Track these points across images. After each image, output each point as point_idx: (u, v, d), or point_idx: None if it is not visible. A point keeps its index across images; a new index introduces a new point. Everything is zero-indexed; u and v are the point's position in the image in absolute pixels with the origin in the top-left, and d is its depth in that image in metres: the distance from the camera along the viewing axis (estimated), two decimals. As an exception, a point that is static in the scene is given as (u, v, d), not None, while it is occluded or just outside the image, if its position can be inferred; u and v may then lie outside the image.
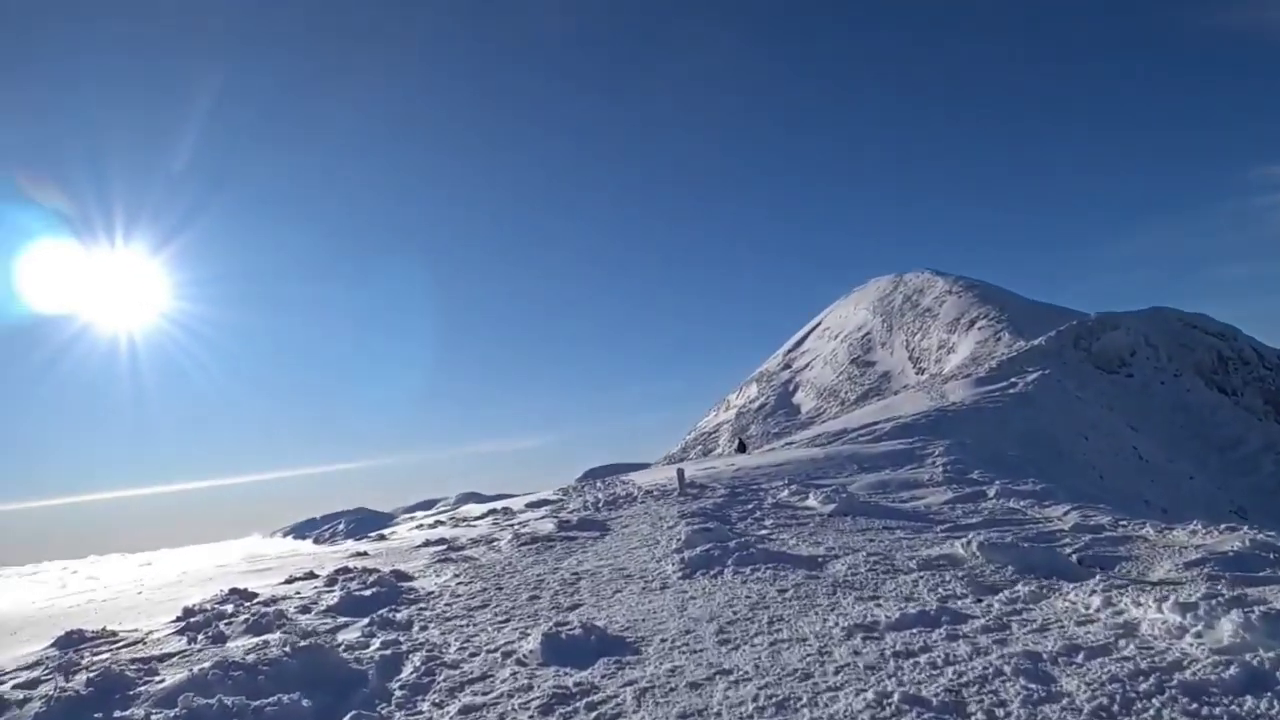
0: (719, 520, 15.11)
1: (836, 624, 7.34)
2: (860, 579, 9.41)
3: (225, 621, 9.80)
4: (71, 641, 9.93)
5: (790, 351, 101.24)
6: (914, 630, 6.94)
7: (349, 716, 6.00)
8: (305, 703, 6.22)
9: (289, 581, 13.45)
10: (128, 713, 6.45)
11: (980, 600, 7.96)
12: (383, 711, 6.20)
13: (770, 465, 25.70)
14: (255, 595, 11.98)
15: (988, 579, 8.98)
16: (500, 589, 10.98)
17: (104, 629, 10.41)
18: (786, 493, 19.25)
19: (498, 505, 27.69)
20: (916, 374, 74.56)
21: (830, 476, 22.21)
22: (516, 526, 18.20)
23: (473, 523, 22.23)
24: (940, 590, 8.53)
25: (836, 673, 5.98)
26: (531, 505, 25.09)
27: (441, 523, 25.23)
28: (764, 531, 14.01)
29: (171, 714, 6.15)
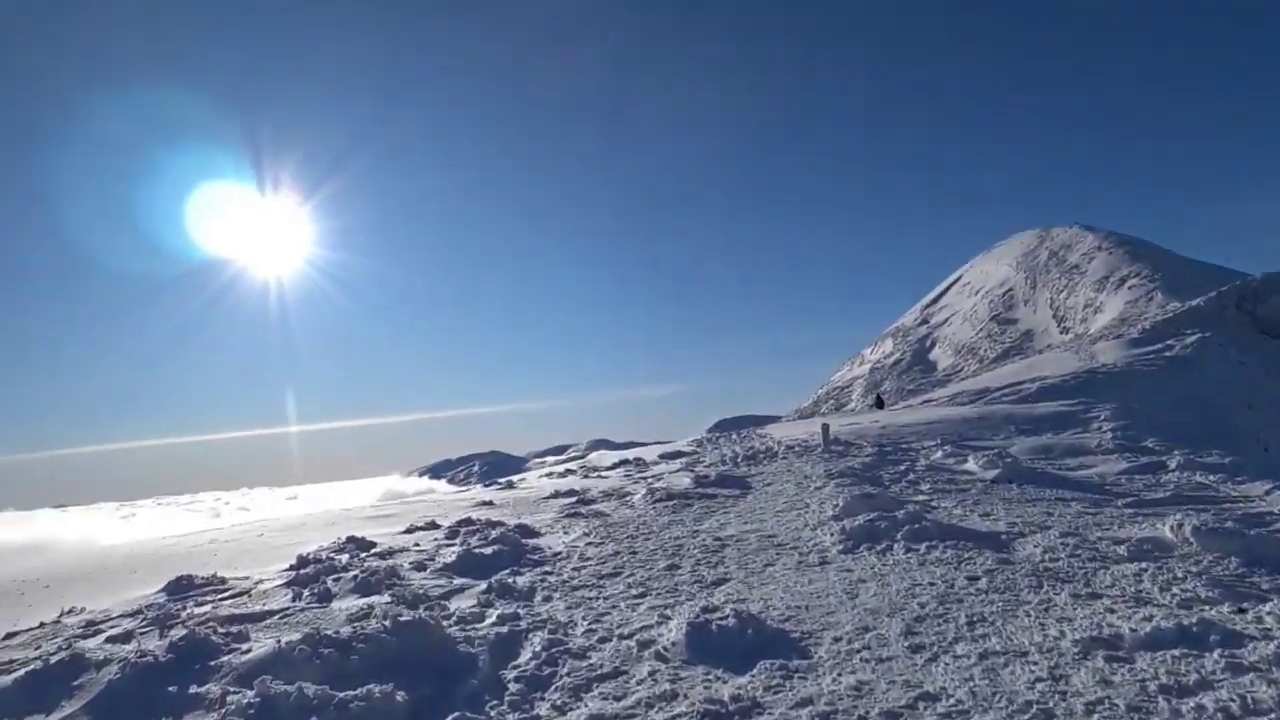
0: (870, 482, 13.52)
1: (1062, 634, 5.71)
2: (1064, 567, 7.67)
3: (334, 577, 8.90)
4: (180, 588, 9.41)
5: (928, 307, 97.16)
6: (1175, 653, 5.26)
7: (451, 718, 4.88)
8: (400, 696, 5.14)
9: (409, 531, 12.63)
10: (203, 689, 5.55)
11: (1242, 610, 6.16)
12: (492, 712, 5.06)
13: (920, 423, 23.71)
14: (372, 545, 11.17)
15: (1228, 577, 7.17)
16: (634, 553, 9.76)
17: (214, 575, 9.82)
18: (940, 454, 17.45)
19: (629, 455, 26.54)
20: (1061, 333, 69.86)
21: (986, 438, 20.20)
22: (650, 480, 16.95)
23: (604, 473, 21.17)
24: (1177, 591, 6.69)
25: (1089, 714, 4.43)
26: (665, 457, 23.88)
27: (572, 471, 24.33)
28: (922, 498, 12.38)
29: (245, 698, 5.14)
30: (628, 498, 14.45)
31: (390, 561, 9.75)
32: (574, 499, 15.15)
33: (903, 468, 15.90)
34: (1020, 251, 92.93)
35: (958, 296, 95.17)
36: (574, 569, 9.08)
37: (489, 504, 16.23)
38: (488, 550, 9.97)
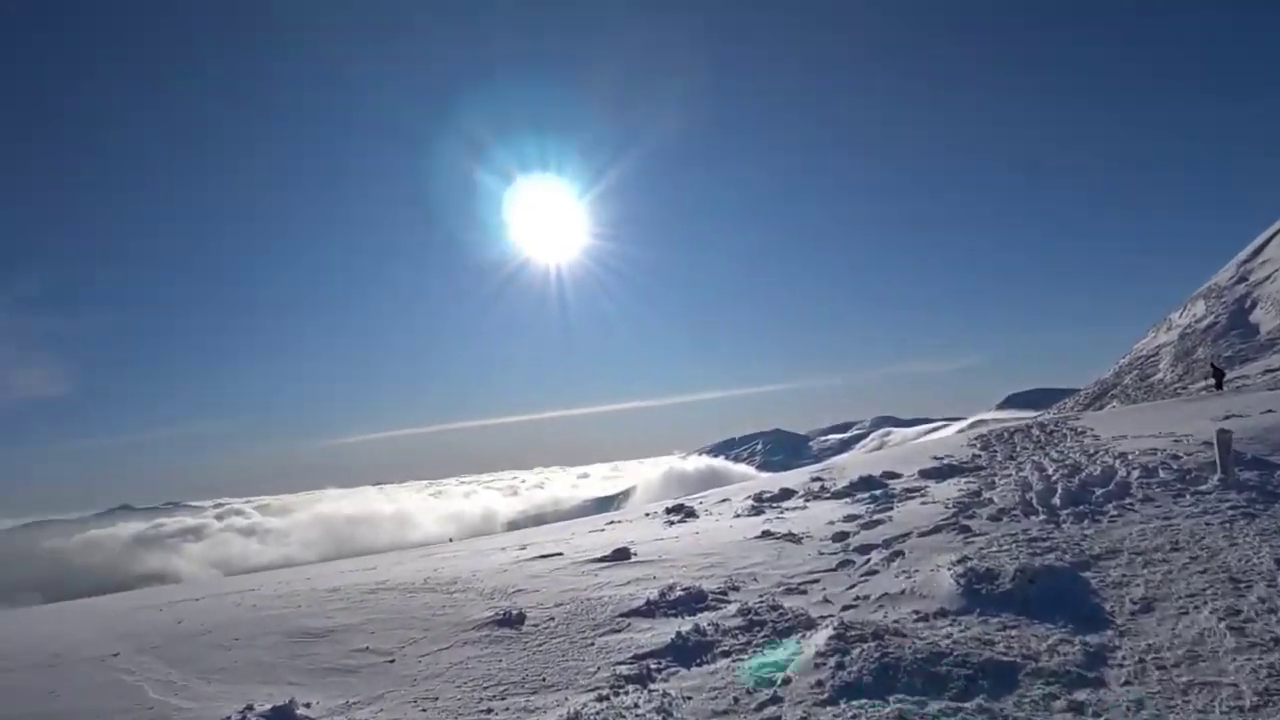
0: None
1: None
2: None
3: None
4: None
5: (1246, 262, 79.20)
6: None
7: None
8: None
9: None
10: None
11: None
12: None
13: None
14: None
15: None
16: None
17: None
18: None
19: (875, 470, 18.18)
20: None
21: None
22: (875, 557, 9.36)
23: (826, 498, 13.91)
24: None
25: None
26: (931, 475, 15.89)
27: (782, 497, 16.97)
28: None
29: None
30: (800, 634, 7.04)
31: None
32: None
33: None
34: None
35: (1282, 249, 77.27)
36: None
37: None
38: None
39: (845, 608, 7.39)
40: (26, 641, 9.95)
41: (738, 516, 14.66)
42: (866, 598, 7.60)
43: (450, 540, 26.41)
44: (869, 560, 8.99)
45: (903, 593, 7.51)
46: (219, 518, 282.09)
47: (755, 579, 8.73)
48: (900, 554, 9.02)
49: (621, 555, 10.65)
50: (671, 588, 8.34)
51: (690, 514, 16.62)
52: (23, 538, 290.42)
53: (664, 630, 7.09)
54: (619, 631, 7.29)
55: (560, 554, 11.66)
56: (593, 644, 6.99)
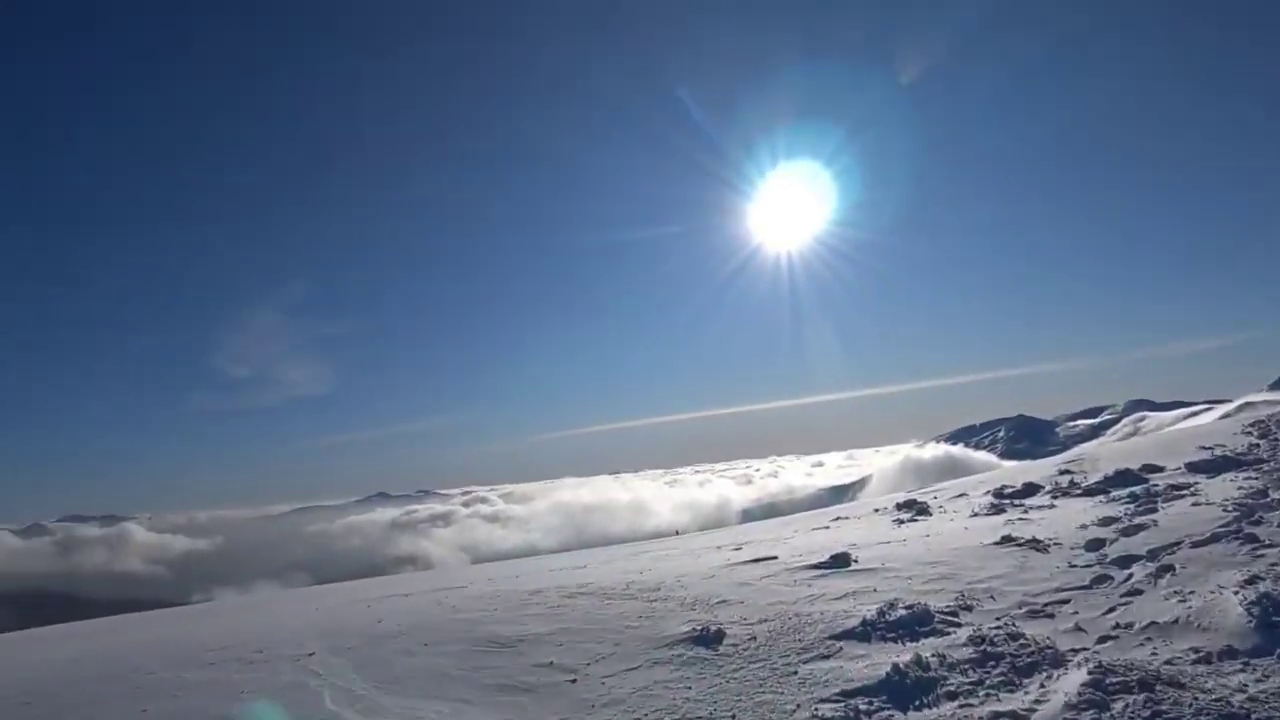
0: None
1: None
2: None
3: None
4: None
5: None
6: None
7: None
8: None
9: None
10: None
11: None
12: None
13: None
14: None
15: None
16: None
17: None
18: None
19: (1138, 463, 16.06)
20: None
21: None
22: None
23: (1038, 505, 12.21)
24: None
25: None
26: (1200, 465, 13.73)
27: (1071, 477, 15.09)
28: None
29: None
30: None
31: None
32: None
33: None
34: None
35: None
36: None
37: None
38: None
39: (1102, 639, 6.13)
40: (244, 632, 10.41)
41: (975, 515, 13.30)
42: (1129, 627, 6.26)
43: (676, 533, 26.28)
44: (1130, 576, 7.54)
45: (1175, 622, 6.11)
46: (465, 505, 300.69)
47: (992, 596, 7.55)
48: (1169, 569, 7.51)
49: (840, 562, 9.72)
50: (893, 605, 7.35)
51: (923, 511, 15.39)
52: (292, 522, 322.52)
53: (879, 660, 6.16)
54: (827, 658, 6.43)
55: (775, 557, 10.87)
56: (795, 672, 6.17)
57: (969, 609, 7.20)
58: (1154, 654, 5.59)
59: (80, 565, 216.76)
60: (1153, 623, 6.18)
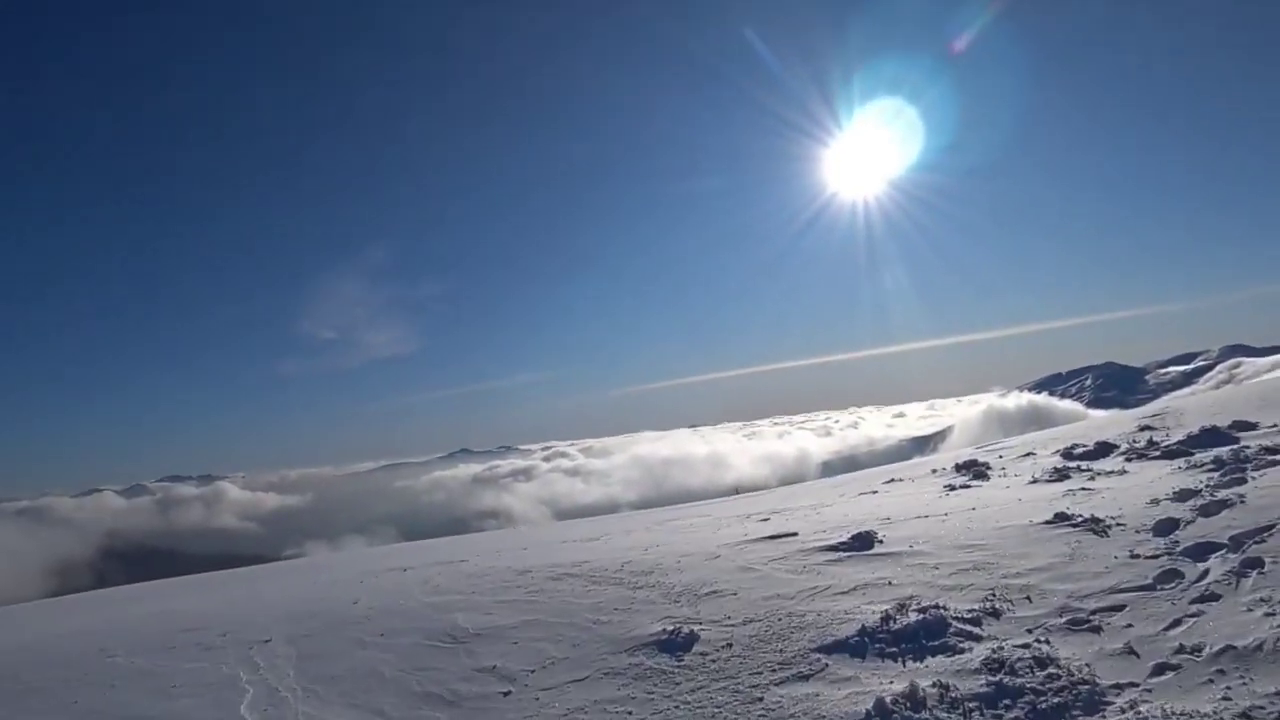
0: None
1: None
2: None
3: None
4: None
5: None
6: None
7: None
8: None
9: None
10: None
11: None
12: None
13: None
14: None
15: None
16: None
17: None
18: None
19: (1229, 420, 13.93)
20: None
21: None
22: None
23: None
24: None
25: None
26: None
27: (1150, 435, 13.43)
28: None
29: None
30: None
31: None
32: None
33: None
34: None
35: None
36: None
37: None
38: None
39: (1159, 669, 4.63)
40: (231, 608, 10.21)
41: (1034, 482, 11.76)
42: (1196, 651, 4.72)
43: (736, 492, 25.15)
44: (1205, 574, 5.93)
45: (1260, 648, 4.54)
46: (546, 459, 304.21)
47: (1028, 597, 6.05)
48: (1257, 565, 5.89)
49: (862, 542, 8.36)
50: (904, 606, 6.02)
51: (980, 474, 13.90)
52: (380, 478, 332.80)
53: (867, 686, 4.89)
54: (806, 679, 5.16)
55: (795, 534, 9.56)
56: (761, 699, 4.93)
57: (995, 615, 5.74)
58: (1226, 699, 4.13)
59: (179, 522, 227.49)
60: (1229, 647, 4.65)
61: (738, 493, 24.43)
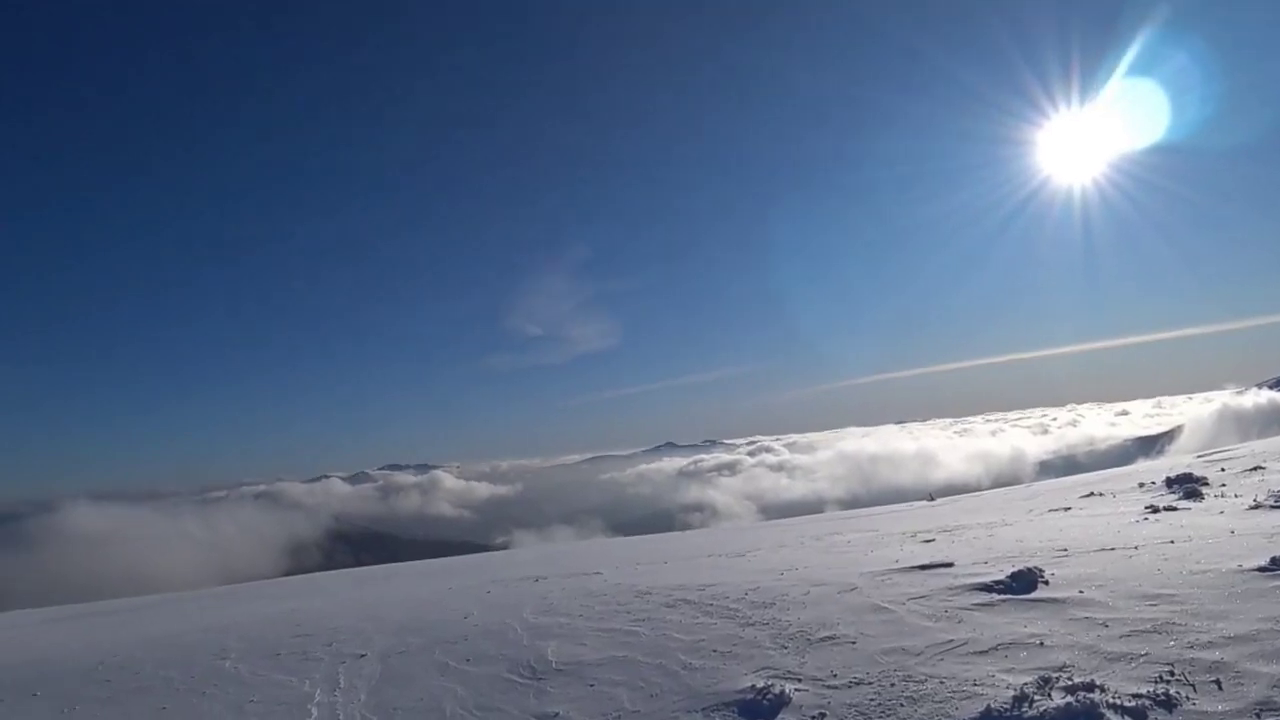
0: None
1: None
2: None
3: None
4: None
5: None
6: None
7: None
8: None
9: None
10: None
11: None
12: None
13: None
14: None
15: None
16: None
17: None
18: None
19: None
20: None
21: None
22: None
23: None
24: None
25: None
26: None
27: None
28: None
29: None
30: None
31: None
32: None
33: None
34: None
35: None
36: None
37: None
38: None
39: None
40: (358, 610, 10.27)
41: (1255, 507, 9.85)
42: None
43: (930, 498, 23.34)
44: None
45: None
46: (751, 454, 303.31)
47: (1218, 681, 4.49)
48: None
49: (1024, 583, 7.01)
50: (1049, 681, 4.75)
51: (1194, 493, 11.97)
52: (587, 470, 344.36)
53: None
54: (896, 779, 4.13)
55: (950, 565, 8.28)
56: (832, 804, 3.95)
57: (1168, 707, 4.28)
58: None
59: (399, 508, 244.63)
60: None
61: (931, 499, 22.69)
